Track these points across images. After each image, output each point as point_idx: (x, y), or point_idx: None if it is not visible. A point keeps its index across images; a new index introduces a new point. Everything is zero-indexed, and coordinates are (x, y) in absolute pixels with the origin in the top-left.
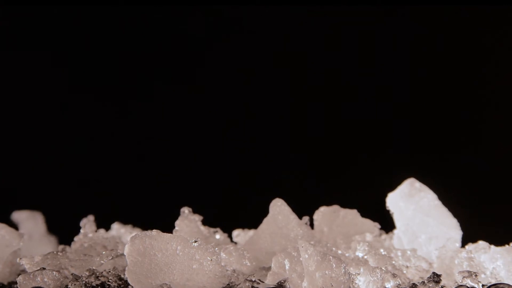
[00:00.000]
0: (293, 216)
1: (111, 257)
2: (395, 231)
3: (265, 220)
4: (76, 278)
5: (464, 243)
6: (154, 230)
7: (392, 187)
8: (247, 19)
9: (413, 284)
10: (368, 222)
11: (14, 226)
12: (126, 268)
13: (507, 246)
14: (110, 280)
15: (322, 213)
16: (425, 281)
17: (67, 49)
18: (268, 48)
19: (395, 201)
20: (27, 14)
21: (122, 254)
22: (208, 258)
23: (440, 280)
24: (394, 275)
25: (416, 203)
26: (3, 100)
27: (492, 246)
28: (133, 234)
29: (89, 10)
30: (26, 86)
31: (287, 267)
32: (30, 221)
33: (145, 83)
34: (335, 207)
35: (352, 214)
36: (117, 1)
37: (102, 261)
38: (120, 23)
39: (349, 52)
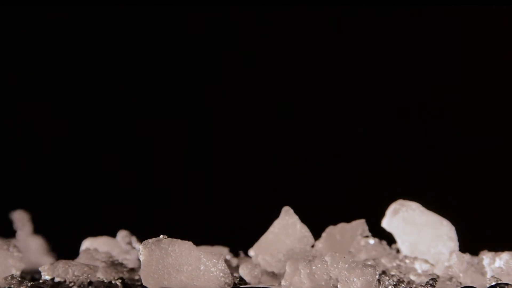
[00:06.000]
0: (296, 218)
1: (116, 264)
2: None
3: (274, 223)
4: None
5: (466, 245)
6: (162, 235)
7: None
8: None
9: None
10: (358, 223)
11: (11, 224)
12: (140, 269)
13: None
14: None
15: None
16: (423, 284)
17: (66, 49)
18: (270, 48)
19: (387, 224)
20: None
21: (122, 263)
22: (214, 260)
23: (436, 282)
24: (407, 283)
25: (402, 217)
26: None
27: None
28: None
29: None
30: (24, 86)
31: (298, 270)
32: (19, 221)
33: (145, 83)
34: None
35: (343, 226)
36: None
37: (109, 268)
38: (116, 23)
39: (352, 53)
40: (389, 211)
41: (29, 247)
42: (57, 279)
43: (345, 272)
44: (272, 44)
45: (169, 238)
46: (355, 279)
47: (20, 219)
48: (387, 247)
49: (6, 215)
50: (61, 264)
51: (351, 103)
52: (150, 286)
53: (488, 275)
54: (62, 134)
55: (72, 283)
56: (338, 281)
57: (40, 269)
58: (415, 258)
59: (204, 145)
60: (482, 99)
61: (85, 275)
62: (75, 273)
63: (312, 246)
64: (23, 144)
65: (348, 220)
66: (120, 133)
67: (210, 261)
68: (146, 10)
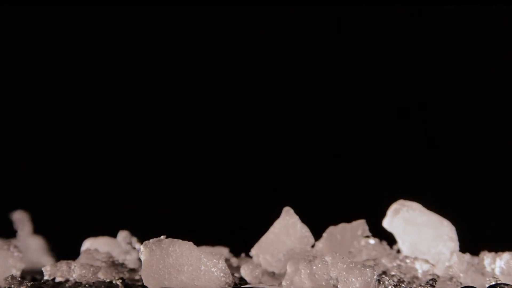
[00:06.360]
0: (296, 218)
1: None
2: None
3: (275, 223)
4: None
5: (466, 245)
6: (163, 235)
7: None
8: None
9: None
10: (359, 223)
11: (10, 224)
12: (141, 270)
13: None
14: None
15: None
16: (423, 284)
17: (66, 49)
18: (270, 48)
19: (387, 223)
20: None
21: (122, 264)
22: (215, 260)
23: (436, 283)
24: (407, 283)
25: (403, 217)
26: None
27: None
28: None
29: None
30: (24, 86)
31: (299, 270)
32: (19, 221)
33: (145, 83)
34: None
35: (343, 226)
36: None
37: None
38: (120, 23)
39: (352, 53)
40: (390, 211)
41: (29, 247)
42: (58, 279)
43: (344, 273)
44: (272, 44)
45: (170, 238)
46: (353, 279)
47: (20, 219)
48: (387, 247)
49: (6, 215)
50: (64, 264)
51: (351, 103)
52: (150, 286)
53: (489, 275)
54: (62, 134)
55: (74, 283)
56: (338, 281)
57: (42, 269)
58: (416, 258)
59: (204, 145)
60: (482, 99)
61: (88, 275)
62: (77, 273)
63: (313, 246)
64: (23, 144)
65: (349, 220)
66: (120, 133)
67: (210, 261)
68: (146, 10)
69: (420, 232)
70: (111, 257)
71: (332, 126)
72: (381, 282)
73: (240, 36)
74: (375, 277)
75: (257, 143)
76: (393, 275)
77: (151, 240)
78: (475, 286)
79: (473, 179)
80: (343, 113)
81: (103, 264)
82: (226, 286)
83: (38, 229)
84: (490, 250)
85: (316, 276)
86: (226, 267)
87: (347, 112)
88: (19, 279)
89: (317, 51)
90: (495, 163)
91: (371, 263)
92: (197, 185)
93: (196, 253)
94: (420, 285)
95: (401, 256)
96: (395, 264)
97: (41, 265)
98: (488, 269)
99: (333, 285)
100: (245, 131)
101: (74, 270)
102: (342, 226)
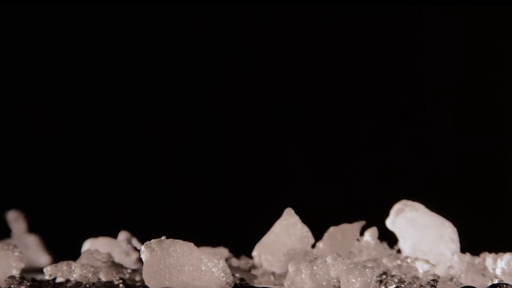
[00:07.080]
0: (297, 218)
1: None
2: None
3: (276, 223)
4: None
5: (466, 245)
6: (163, 236)
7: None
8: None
9: None
10: (359, 224)
11: (5, 224)
12: (142, 270)
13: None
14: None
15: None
16: (424, 284)
17: (66, 49)
18: (270, 48)
19: (390, 223)
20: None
21: (123, 264)
22: (215, 260)
23: (437, 283)
24: (408, 283)
25: (405, 218)
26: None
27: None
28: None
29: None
30: (24, 86)
31: (300, 271)
32: (13, 220)
33: (145, 83)
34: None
35: (344, 226)
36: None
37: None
38: (121, 23)
39: (352, 53)
40: (393, 211)
41: (25, 246)
42: (58, 280)
43: (344, 273)
44: (272, 44)
45: (171, 239)
46: (353, 280)
47: (14, 218)
48: (387, 247)
49: (5, 215)
50: (64, 265)
51: (351, 103)
52: (151, 286)
53: (489, 276)
54: (62, 134)
55: (75, 284)
56: (339, 281)
57: (44, 269)
58: (416, 259)
59: (204, 146)
60: (482, 99)
61: (88, 275)
62: (78, 274)
63: (313, 246)
64: (23, 144)
65: (349, 220)
66: (120, 133)
67: (211, 262)
68: (146, 10)
69: (422, 232)
70: (111, 257)
71: (332, 126)
72: (382, 282)
73: (240, 36)
74: (374, 277)
75: (257, 143)
76: (393, 275)
77: (152, 240)
78: (475, 286)
79: (473, 179)
80: (343, 113)
81: (104, 265)
82: (227, 286)
83: (38, 230)
84: (490, 251)
85: (317, 276)
86: (227, 267)
87: (347, 112)
88: (19, 279)
89: (317, 51)
90: (495, 163)
91: (372, 263)
92: (197, 185)
93: (196, 254)
94: (421, 285)
95: (401, 256)
96: (395, 264)
97: (37, 263)
98: (489, 269)
99: (334, 286)
100: (245, 131)
101: (75, 271)
102: (343, 226)
